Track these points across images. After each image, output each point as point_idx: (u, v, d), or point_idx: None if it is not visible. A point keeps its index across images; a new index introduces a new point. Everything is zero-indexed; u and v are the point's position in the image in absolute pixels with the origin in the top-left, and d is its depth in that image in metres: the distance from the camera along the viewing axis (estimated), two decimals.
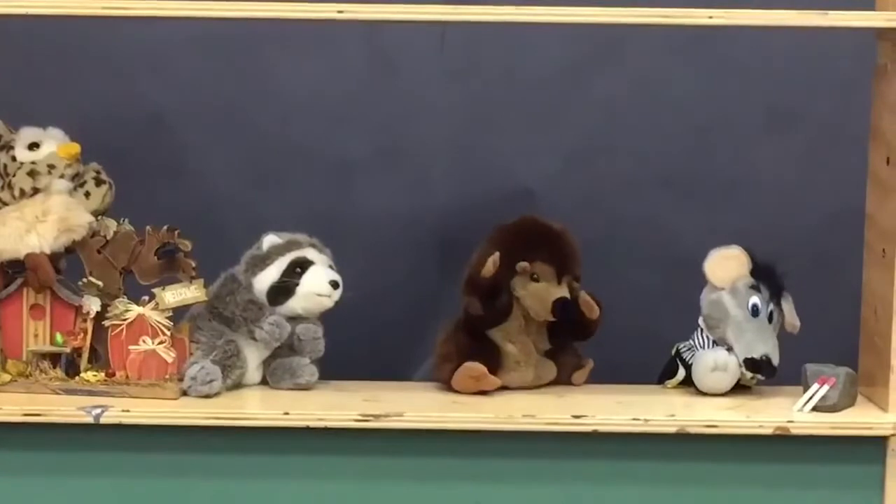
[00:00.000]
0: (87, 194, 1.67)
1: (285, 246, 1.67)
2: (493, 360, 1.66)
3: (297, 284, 1.65)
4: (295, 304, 1.66)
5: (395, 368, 1.85)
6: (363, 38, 1.91)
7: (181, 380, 1.62)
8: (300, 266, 1.66)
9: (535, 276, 1.66)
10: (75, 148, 1.66)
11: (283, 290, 1.65)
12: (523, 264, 1.65)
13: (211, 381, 1.60)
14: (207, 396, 1.60)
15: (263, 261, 1.66)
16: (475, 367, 1.64)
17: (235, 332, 1.66)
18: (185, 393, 1.61)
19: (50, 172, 1.65)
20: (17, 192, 1.63)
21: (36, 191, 1.64)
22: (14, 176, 1.64)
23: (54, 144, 1.67)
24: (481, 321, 1.67)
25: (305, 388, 1.66)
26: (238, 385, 1.66)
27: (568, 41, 1.90)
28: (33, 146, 1.67)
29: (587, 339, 1.70)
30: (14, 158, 1.66)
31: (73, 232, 1.65)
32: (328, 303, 1.66)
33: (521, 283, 1.67)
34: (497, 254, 1.64)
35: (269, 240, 1.67)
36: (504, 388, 1.67)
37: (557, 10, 1.55)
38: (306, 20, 1.57)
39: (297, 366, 1.66)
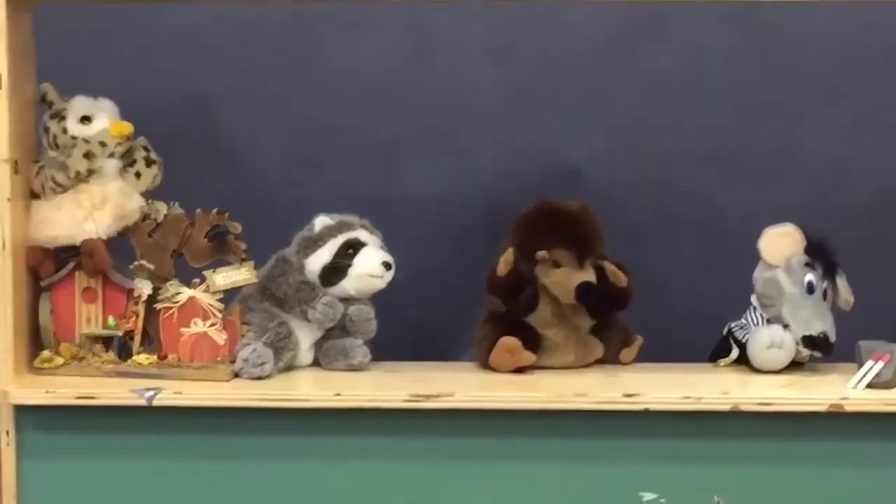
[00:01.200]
0: (138, 174, 1.67)
1: (337, 227, 1.67)
2: (531, 342, 1.66)
3: (350, 265, 1.65)
4: (347, 284, 1.66)
5: (443, 349, 1.85)
6: (407, 17, 1.90)
7: (233, 362, 1.62)
8: (352, 247, 1.66)
9: (557, 262, 1.65)
10: (128, 128, 1.66)
11: (335, 271, 1.65)
12: (542, 253, 1.65)
13: (263, 363, 1.60)
14: (259, 378, 1.61)
15: (316, 242, 1.67)
16: (510, 341, 1.64)
17: (288, 313, 1.66)
18: (237, 375, 1.62)
19: (102, 151, 1.65)
20: (72, 174, 1.63)
21: (90, 172, 1.65)
22: (70, 157, 1.63)
23: (106, 119, 1.67)
24: (506, 317, 1.66)
25: (358, 368, 1.66)
26: (290, 367, 1.66)
27: (610, 16, 1.89)
28: (85, 119, 1.67)
29: (624, 308, 1.69)
30: (65, 130, 1.66)
31: (128, 218, 1.65)
32: (381, 284, 1.66)
33: (544, 271, 1.66)
34: (510, 251, 1.64)
35: (321, 221, 1.68)
36: (547, 368, 1.66)
37: None
38: (351, 0, 1.56)
39: (350, 346, 1.66)
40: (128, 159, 1.68)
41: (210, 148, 1.90)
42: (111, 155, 1.66)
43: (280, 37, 1.90)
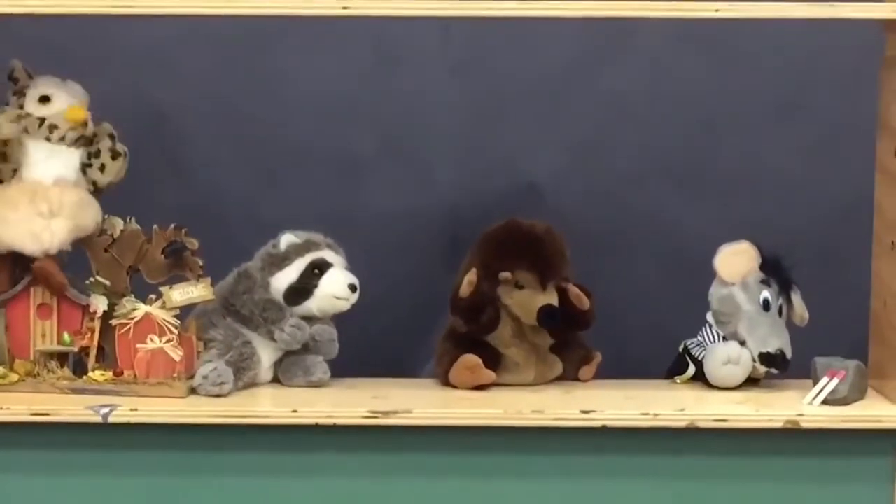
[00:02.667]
0: (103, 167, 1.64)
1: (304, 246, 1.67)
2: (491, 360, 1.66)
3: (316, 286, 1.65)
4: (312, 304, 1.66)
5: (402, 366, 1.85)
6: (368, 33, 1.90)
7: (190, 378, 1.62)
8: (318, 268, 1.66)
9: (520, 283, 1.66)
10: (81, 114, 1.62)
11: (301, 291, 1.65)
12: (505, 275, 1.65)
13: (222, 382, 1.60)
14: (218, 396, 1.60)
15: (283, 260, 1.66)
16: (470, 359, 1.64)
17: (253, 331, 1.65)
18: (194, 391, 1.61)
19: (50, 132, 1.62)
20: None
21: (4, 144, 1.59)
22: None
23: (66, 102, 1.64)
24: (466, 335, 1.67)
25: (318, 385, 1.66)
26: (250, 385, 1.66)
27: (573, 34, 1.90)
28: (44, 99, 1.64)
29: (586, 329, 1.70)
30: (22, 107, 1.63)
31: (85, 230, 1.64)
32: (345, 306, 1.67)
33: (507, 292, 1.66)
34: (473, 272, 1.64)
35: (287, 238, 1.67)
36: (507, 386, 1.66)
37: (562, 5, 1.55)
38: (311, 16, 1.56)
39: (311, 363, 1.66)
40: (92, 148, 1.65)
41: (168, 163, 1.89)
42: (62, 138, 1.61)
43: (239, 52, 1.90)
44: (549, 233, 1.68)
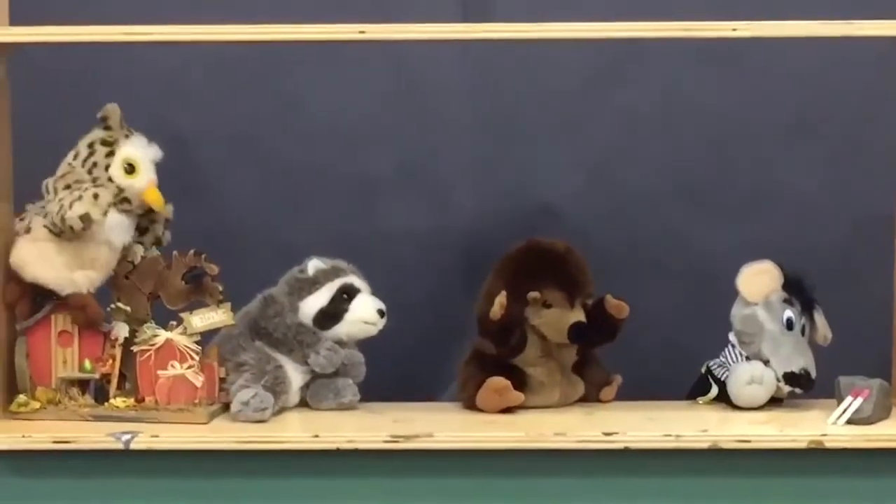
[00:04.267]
0: (143, 246, 1.65)
1: (332, 272, 1.68)
2: (518, 382, 1.65)
3: (346, 311, 1.65)
4: (341, 329, 1.66)
5: (421, 389, 1.85)
6: (385, 56, 1.90)
7: (211, 404, 1.61)
8: (348, 293, 1.67)
9: (548, 302, 1.65)
10: (160, 203, 1.63)
11: (331, 315, 1.66)
12: (534, 294, 1.65)
13: (264, 408, 1.59)
14: (259, 422, 1.59)
15: (312, 285, 1.67)
16: (498, 381, 1.63)
17: (286, 354, 1.65)
18: (220, 411, 1.60)
19: (121, 204, 1.61)
20: (66, 229, 1.57)
21: (84, 230, 1.58)
22: (70, 206, 1.56)
23: (146, 179, 1.63)
24: (492, 357, 1.66)
25: (349, 407, 1.66)
26: (281, 409, 1.65)
27: (588, 54, 1.89)
28: (130, 168, 1.63)
29: (613, 339, 1.69)
30: (107, 167, 1.61)
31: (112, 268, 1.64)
32: (373, 331, 1.67)
33: (535, 312, 1.66)
34: (503, 293, 1.64)
35: (315, 264, 1.68)
36: (531, 408, 1.66)
37: (577, 26, 1.55)
38: (328, 41, 1.57)
39: (342, 386, 1.66)
40: (143, 221, 1.65)
41: (187, 189, 1.89)
42: (127, 211, 1.62)
43: (257, 78, 1.90)
44: (570, 251, 1.68)
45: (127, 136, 1.65)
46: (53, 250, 1.61)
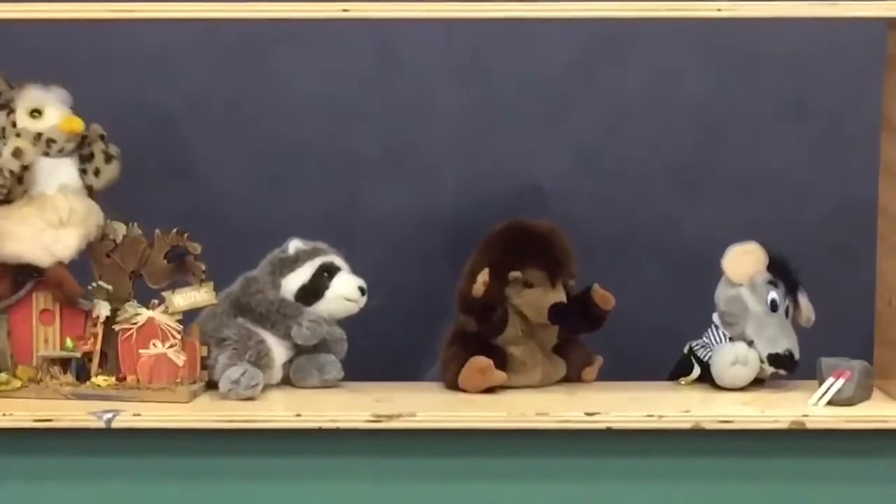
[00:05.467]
0: (97, 171, 1.64)
1: (313, 251, 1.68)
2: (500, 361, 1.65)
3: (328, 288, 1.65)
4: (322, 307, 1.66)
5: (405, 369, 1.85)
6: (370, 36, 1.90)
7: (193, 383, 1.61)
8: (328, 271, 1.67)
9: (529, 282, 1.65)
10: (79, 125, 1.62)
11: (313, 292, 1.66)
12: (515, 274, 1.65)
13: (254, 385, 1.60)
14: (249, 399, 1.59)
15: (293, 263, 1.67)
16: (481, 361, 1.63)
17: (268, 329, 1.65)
18: (202, 389, 1.60)
19: (48, 147, 1.61)
20: (6, 174, 1.57)
21: (25, 169, 1.59)
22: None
23: (56, 114, 1.63)
24: (477, 337, 1.66)
25: (332, 384, 1.66)
26: (265, 385, 1.65)
27: (575, 36, 1.89)
28: (35, 113, 1.63)
29: (597, 330, 1.69)
30: (14, 124, 1.62)
31: (90, 234, 1.63)
32: (354, 308, 1.68)
33: (516, 291, 1.66)
34: (486, 271, 1.64)
35: (295, 244, 1.69)
36: (513, 388, 1.66)
37: (564, 6, 1.55)
38: (312, 19, 1.56)
39: (325, 362, 1.66)
40: (84, 151, 1.64)
41: (169, 167, 1.89)
42: (60, 151, 1.61)
43: (241, 56, 1.90)
44: (555, 231, 1.68)
45: (13, 89, 1.63)
46: (17, 218, 1.60)
